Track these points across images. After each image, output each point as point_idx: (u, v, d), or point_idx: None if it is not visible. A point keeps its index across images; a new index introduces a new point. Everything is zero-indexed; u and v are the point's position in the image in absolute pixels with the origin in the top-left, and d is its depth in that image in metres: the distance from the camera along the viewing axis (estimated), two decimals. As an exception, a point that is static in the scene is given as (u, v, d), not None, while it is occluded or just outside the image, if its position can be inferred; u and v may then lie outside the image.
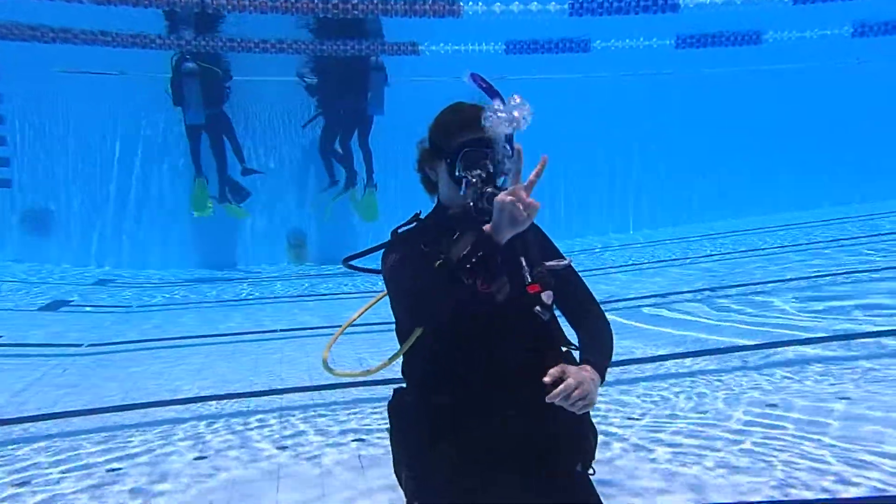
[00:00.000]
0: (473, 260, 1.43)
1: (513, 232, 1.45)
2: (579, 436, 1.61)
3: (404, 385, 1.76)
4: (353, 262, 1.82)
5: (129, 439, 3.46)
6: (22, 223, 9.95)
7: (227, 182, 9.64)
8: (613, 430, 3.21)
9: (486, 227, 1.45)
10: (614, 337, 1.67)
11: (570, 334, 1.71)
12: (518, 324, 1.60)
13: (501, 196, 1.44)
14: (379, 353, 4.63)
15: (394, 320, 1.72)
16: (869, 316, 4.96)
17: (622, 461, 2.87)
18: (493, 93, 1.59)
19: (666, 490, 2.60)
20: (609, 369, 1.58)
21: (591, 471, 1.61)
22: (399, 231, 1.68)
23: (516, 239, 1.61)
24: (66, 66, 9.39)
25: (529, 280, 1.58)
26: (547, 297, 1.58)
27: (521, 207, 1.42)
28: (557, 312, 1.69)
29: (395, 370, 1.80)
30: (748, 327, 5.00)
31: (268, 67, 9.86)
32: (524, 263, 1.60)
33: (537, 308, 1.58)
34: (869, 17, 9.74)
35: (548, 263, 1.63)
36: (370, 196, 9.90)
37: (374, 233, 10.54)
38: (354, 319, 1.89)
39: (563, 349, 1.67)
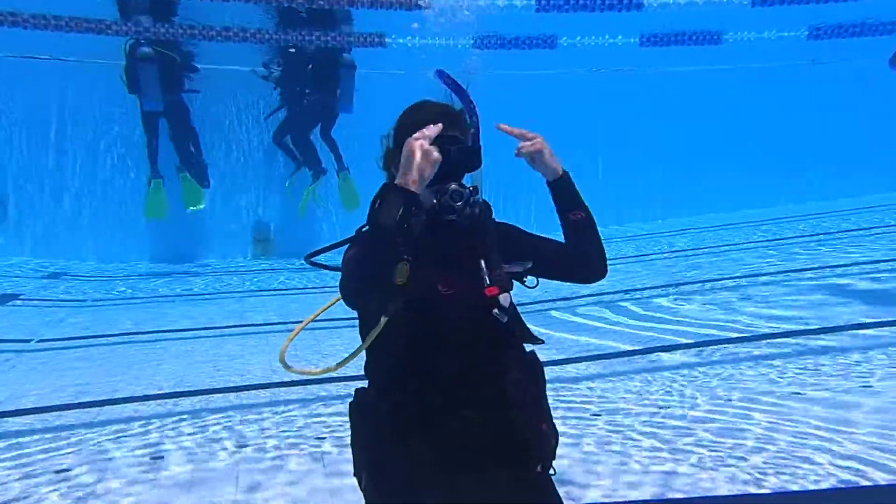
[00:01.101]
0: (406, 223, 1.42)
1: (419, 172, 1.44)
2: (540, 436, 1.60)
3: (366, 384, 1.74)
4: (315, 260, 1.78)
5: (81, 439, 3.35)
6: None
7: (190, 160, 9.24)
8: (570, 429, 3.24)
9: (403, 181, 1.45)
10: (598, 233, 1.69)
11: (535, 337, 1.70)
12: (478, 326, 1.59)
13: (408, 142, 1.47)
14: (342, 349, 4.58)
15: (356, 316, 1.70)
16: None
17: (578, 456, 2.89)
18: (458, 90, 1.56)
19: (628, 484, 2.64)
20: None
21: (551, 471, 1.61)
22: (363, 230, 1.65)
23: (476, 241, 1.60)
24: (15, 52, 9.01)
25: (488, 283, 1.57)
26: (504, 299, 1.57)
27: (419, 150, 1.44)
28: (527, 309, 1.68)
29: (358, 368, 1.77)
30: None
31: (231, 56, 9.64)
32: (483, 266, 1.59)
33: (495, 311, 1.57)
34: (824, 20, 10.04)
35: (507, 266, 1.62)
36: (345, 180, 9.73)
37: (340, 226, 10.45)
38: (316, 316, 1.84)
39: (528, 349, 1.67)
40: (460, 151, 1.58)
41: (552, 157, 1.64)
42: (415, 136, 1.49)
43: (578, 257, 1.69)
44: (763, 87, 11.41)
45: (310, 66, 9.42)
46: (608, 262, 1.71)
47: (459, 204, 1.55)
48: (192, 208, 9.43)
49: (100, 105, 9.73)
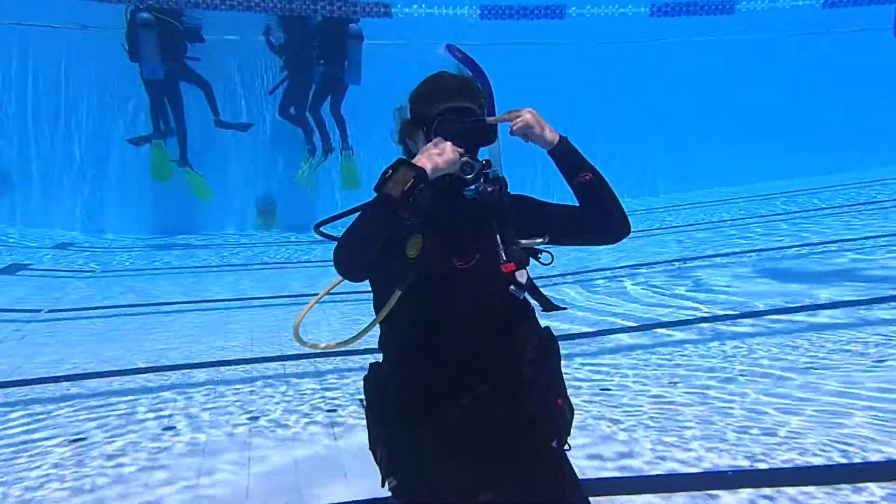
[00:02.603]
0: (412, 196, 1.41)
1: (434, 163, 1.46)
2: (555, 411, 1.60)
3: (380, 358, 1.73)
4: (325, 230, 1.76)
5: (94, 409, 3.38)
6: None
7: (217, 121, 9.27)
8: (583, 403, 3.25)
9: (418, 161, 1.47)
10: (612, 190, 1.65)
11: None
12: (493, 302, 1.58)
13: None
14: (355, 323, 4.60)
15: (370, 290, 1.68)
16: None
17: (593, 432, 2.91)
18: (469, 63, 1.53)
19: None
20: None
21: (566, 446, 1.62)
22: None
23: (492, 216, 1.58)
24: (13, 19, 8.91)
25: (504, 259, 1.56)
26: (521, 275, 1.56)
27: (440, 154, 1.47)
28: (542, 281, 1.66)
29: (371, 341, 1.76)
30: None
31: (235, 26, 9.50)
32: (499, 241, 1.57)
33: (512, 287, 1.56)
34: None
35: (523, 241, 1.60)
36: (348, 160, 9.68)
37: (344, 199, 10.42)
38: (329, 290, 1.81)
39: (542, 324, 1.66)
40: (475, 124, 1.55)
41: (544, 127, 1.61)
42: (451, 145, 1.50)
43: (597, 218, 1.64)
44: (776, 58, 11.20)
45: (316, 38, 9.29)
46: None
47: (470, 176, 1.52)
48: (201, 198, 9.49)
49: (103, 74, 9.63)
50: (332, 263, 1.51)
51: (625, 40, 10.67)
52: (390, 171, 1.45)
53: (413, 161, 1.47)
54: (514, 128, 1.61)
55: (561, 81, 10.36)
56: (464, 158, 1.52)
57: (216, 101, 9.34)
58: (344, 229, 1.53)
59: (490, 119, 1.59)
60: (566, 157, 1.64)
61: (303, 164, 9.87)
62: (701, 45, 10.79)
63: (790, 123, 11.39)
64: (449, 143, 1.49)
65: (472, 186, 1.54)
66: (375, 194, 1.45)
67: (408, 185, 1.41)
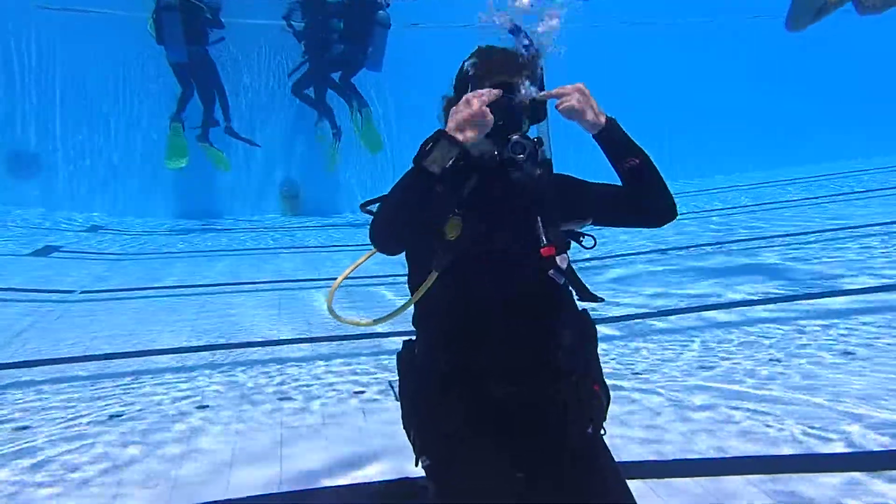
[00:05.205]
0: (451, 167, 1.39)
1: (461, 129, 1.41)
2: (591, 396, 1.59)
3: (414, 337, 1.73)
4: (371, 209, 1.73)
5: (127, 388, 3.45)
6: (8, 166, 9.68)
7: (227, 130, 9.30)
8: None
9: (452, 132, 1.42)
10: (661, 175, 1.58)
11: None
12: (531, 285, 1.56)
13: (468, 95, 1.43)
14: (374, 306, 4.62)
15: (406, 267, 1.67)
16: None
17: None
18: (517, 31, 1.51)
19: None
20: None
21: (602, 431, 1.62)
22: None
23: (534, 198, 1.56)
24: (47, 3, 9.00)
25: (545, 242, 1.52)
26: (562, 260, 1.53)
27: (470, 112, 1.40)
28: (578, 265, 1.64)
29: (405, 319, 1.75)
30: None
31: (258, 10, 9.50)
32: (540, 224, 1.54)
33: (552, 272, 1.53)
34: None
35: (564, 225, 1.58)
36: (368, 120, 9.58)
37: (369, 182, 10.45)
38: (359, 264, 1.76)
39: (580, 309, 1.65)
40: (523, 100, 1.50)
41: (590, 109, 1.52)
42: (475, 92, 1.44)
43: (644, 203, 1.59)
44: (804, 40, 10.91)
45: (341, 21, 9.24)
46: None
47: (521, 156, 1.47)
48: (220, 168, 9.51)
49: (133, 59, 9.70)
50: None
51: (644, 21, 10.48)
52: (430, 144, 1.41)
53: (449, 130, 1.41)
54: (560, 107, 1.53)
55: (579, 63, 10.19)
56: (514, 137, 1.47)
57: (229, 107, 9.30)
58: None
59: (538, 95, 1.52)
60: (613, 141, 1.56)
61: (331, 149, 9.85)
62: (726, 26, 10.56)
63: (817, 107, 11.13)
64: (473, 99, 1.41)
65: (520, 168, 1.49)
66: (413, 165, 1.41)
67: (448, 163, 1.38)
